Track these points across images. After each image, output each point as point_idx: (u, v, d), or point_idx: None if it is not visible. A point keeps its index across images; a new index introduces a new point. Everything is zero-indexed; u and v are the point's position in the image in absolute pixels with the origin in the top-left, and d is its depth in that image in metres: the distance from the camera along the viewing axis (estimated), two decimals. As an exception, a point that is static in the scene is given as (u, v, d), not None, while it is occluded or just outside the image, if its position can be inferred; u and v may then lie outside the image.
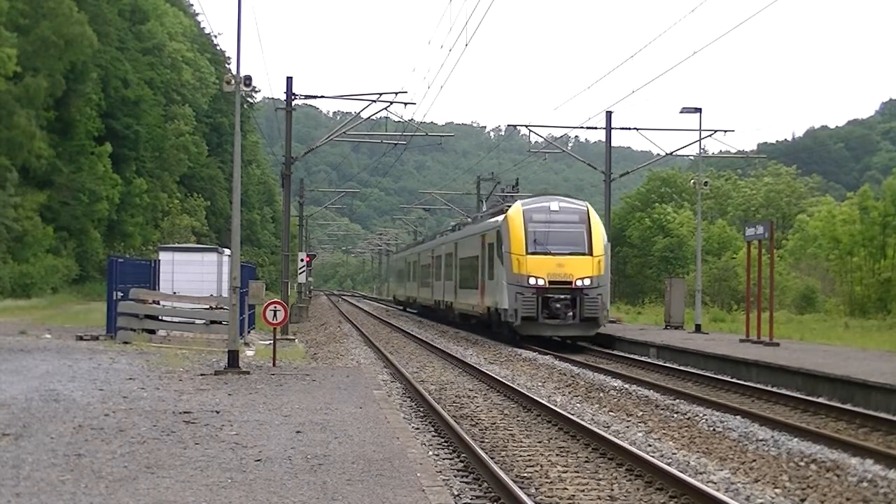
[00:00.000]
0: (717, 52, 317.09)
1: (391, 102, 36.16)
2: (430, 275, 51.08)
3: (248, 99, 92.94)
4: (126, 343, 24.92)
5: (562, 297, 30.21)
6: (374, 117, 39.04)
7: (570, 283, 30.30)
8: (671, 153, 43.83)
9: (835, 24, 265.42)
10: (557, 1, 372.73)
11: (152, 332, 25.97)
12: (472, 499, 10.10)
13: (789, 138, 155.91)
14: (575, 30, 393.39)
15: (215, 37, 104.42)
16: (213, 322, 25.95)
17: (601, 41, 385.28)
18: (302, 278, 54.90)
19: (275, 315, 21.23)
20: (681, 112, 35.84)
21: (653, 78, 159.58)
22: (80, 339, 26.40)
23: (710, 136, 40.70)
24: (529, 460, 12.24)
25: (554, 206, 31.83)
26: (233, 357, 19.72)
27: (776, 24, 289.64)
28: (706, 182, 38.65)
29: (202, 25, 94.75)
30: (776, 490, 10.73)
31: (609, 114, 41.72)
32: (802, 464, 12.14)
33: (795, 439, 13.79)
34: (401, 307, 71.63)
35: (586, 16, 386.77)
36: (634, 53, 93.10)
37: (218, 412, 13.78)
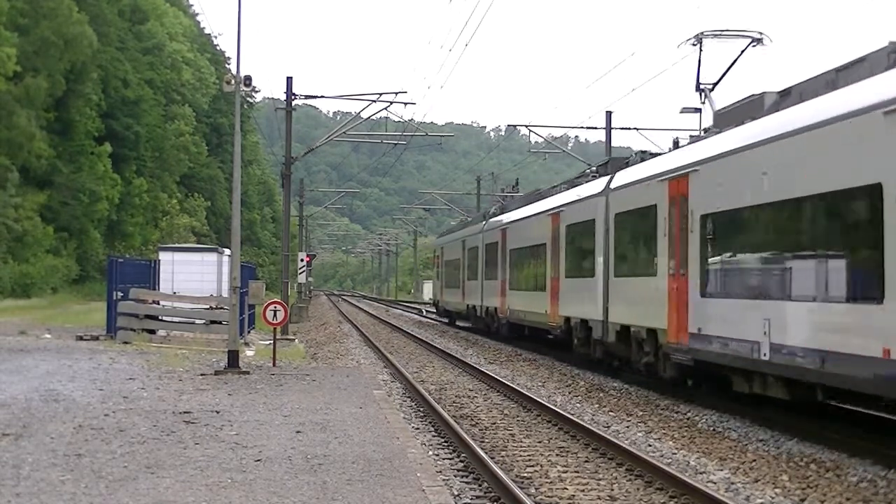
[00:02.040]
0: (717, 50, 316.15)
1: (391, 102, 36.21)
2: (527, 268, 29.53)
3: (248, 99, 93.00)
4: (126, 343, 24.93)
5: None
6: (374, 117, 39.12)
7: None
8: (671, 153, 43.75)
9: (835, 24, 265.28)
10: (557, 1, 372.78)
11: (152, 332, 25.99)
12: (472, 499, 10.09)
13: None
14: (574, 30, 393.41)
15: (215, 37, 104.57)
16: (213, 322, 25.98)
17: (601, 41, 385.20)
18: (302, 278, 54.91)
19: (275, 315, 21.25)
20: (681, 112, 35.76)
21: (652, 76, 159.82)
22: (80, 339, 26.40)
23: (710, 135, 40.59)
24: (529, 460, 12.22)
25: None
26: (233, 357, 19.74)
27: (776, 23, 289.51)
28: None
29: (202, 25, 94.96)
30: (776, 490, 10.72)
31: (609, 113, 41.70)
32: (802, 464, 12.13)
33: (795, 439, 13.78)
34: (446, 320, 47.48)
35: (585, 16, 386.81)
36: (634, 52, 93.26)
37: (218, 412, 13.78)
